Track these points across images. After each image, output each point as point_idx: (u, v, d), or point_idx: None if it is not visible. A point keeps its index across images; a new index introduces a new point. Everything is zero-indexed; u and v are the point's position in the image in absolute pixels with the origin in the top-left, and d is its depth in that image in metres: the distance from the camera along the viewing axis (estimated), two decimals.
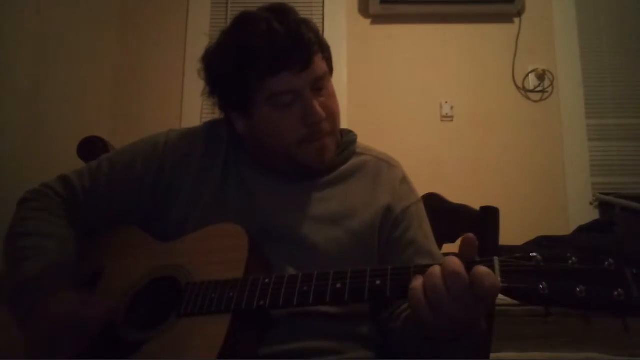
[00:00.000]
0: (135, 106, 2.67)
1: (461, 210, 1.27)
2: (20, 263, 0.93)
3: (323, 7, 2.77)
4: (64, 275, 0.93)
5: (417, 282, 0.72)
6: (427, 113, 2.68)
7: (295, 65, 0.94)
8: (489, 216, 1.18)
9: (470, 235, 0.74)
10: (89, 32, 2.49)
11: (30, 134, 1.98)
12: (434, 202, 1.28)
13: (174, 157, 1.05)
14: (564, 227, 2.39)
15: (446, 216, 1.25)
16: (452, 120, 2.67)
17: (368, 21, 2.78)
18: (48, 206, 1.03)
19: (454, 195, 1.34)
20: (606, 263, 0.66)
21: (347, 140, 1.09)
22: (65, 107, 2.23)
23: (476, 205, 1.24)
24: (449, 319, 0.70)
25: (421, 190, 1.12)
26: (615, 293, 0.63)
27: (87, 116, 2.43)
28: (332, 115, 1.00)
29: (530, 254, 0.69)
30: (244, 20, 0.99)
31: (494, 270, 0.68)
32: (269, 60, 0.93)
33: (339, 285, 0.78)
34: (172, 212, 1.02)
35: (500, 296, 0.69)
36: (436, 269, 0.71)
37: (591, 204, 2.52)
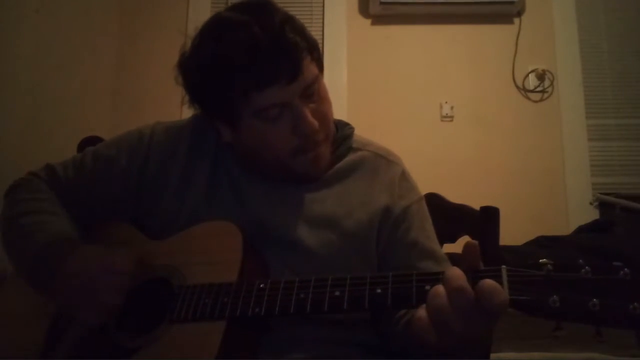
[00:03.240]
0: (135, 106, 2.66)
1: (461, 210, 1.27)
2: (29, 236, 0.92)
3: (323, 7, 2.76)
4: (75, 236, 0.93)
5: (422, 312, 0.68)
6: (427, 113, 2.68)
7: (282, 78, 0.86)
8: (489, 216, 1.18)
9: (472, 242, 0.69)
10: (89, 31, 2.49)
11: (30, 133, 1.98)
12: (434, 202, 1.28)
13: (159, 151, 1.01)
14: (564, 227, 2.39)
15: (446, 216, 1.25)
16: (452, 120, 2.67)
17: (368, 21, 2.78)
18: (39, 189, 1.01)
19: (454, 195, 1.34)
20: (621, 272, 0.61)
21: (342, 135, 1.04)
22: (65, 107, 2.23)
23: (476, 205, 1.24)
24: (454, 338, 0.66)
25: (421, 190, 1.12)
26: (631, 307, 0.59)
27: (87, 116, 2.43)
28: (325, 121, 0.94)
29: (540, 261, 0.65)
30: (220, 26, 0.91)
31: (501, 281, 0.64)
32: (253, 76, 0.86)
33: (337, 293, 0.74)
34: (160, 208, 0.98)
35: None
36: (439, 289, 0.66)
37: (591, 204, 2.52)
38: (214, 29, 0.92)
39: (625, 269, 0.61)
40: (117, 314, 0.87)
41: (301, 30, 0.90)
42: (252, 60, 0.85)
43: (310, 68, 0.90)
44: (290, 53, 0.86)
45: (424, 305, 0.68)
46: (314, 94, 0.92)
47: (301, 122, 0.89)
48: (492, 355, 1.07)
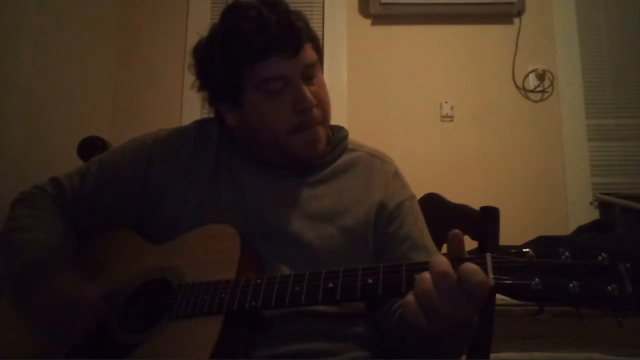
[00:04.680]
0: (135, 106, 2.67)
1: (461, 210, 1.27)
2: (16, 255, 0.94)
3: (323, 7, 2.77)
4: (61, 258, 0.95)
5: (410, 297, 0.71)
6: (427, 113, 2.68)
7: (285, 50, 0.94)
8: (489, 216, 1.18)
9: (456, 231, 0.72)
10: (89, 32, 2.49)
11: (31, 134, 1.98)
12: (434, 202, 1.28)
13: (162, 156, 1.04)
14: (564, 227, 2.39)
15: (446, 216, 1.25)
16: (452, 120, 2.67)
17: (368, 21, 2.78)
18: (40, 204, 1.04)
19: (454, 195, 1.34)
20: (599, 257, 0.65)
21: (338, 136, 1.09)
22: (65, 107, 2.24)
23: (476, 205, 1.24)
24: (442, 320, 0.69)
25: (421, 190, 1.12)
26: (609, 288, 0.62)
27: (87, 116, 2.44)
28: (323, 103, 1.00)
29: (523, 250, 0.68)
30: (233, 8, 0.99)
31: (486, 267, 0.67)
32: (259, 45, 0.93)
33: (330, 285, 0.77)
34: (163, 212, 1.01)
35: (498, 295, 0.68)
36: (425, 275, 0.70)
37: (591, 204, 2.52)
38: (226, 12, 1.00)
39: (603, 254, 0.65)
40: (117, 315, 0.89)
41: (305, 21, 0.99)
42: (259, 32, 0.93)
43: (311, 52, 0.99)
44: (293, 31, 0.95)
45: (412, 291, 0.71)
46: (313, 77, 0.99)
47: (300, 97, 0.95)
48: (492, 355, 1.07)
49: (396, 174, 1.07)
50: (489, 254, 0.70)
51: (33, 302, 0.89)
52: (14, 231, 0.99)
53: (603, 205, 2.48)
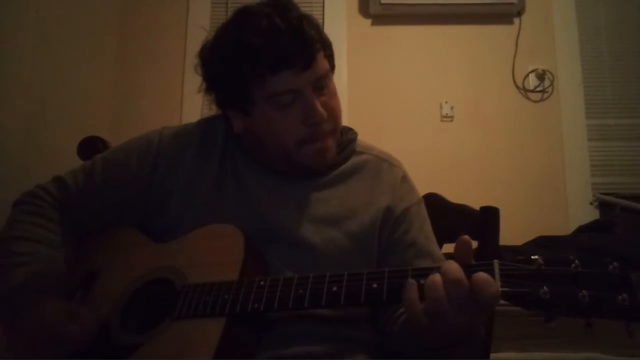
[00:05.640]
0: (136, 105, 2.67)
1: (461, 210, 1.27)
2: (9, 269, 0.92)
3: (323, 7, 2.77)
4: (52, 282, 0.93)
5: (413, 294, 0.70)
6: (427, 113, 2.68)
7: (297, 64, 0.91)
8: (489, 216, 1.18)
9: (465, 237, 0.72)
10: (89, 31, 2.49)
11: (31, 134, 1.98)
12: (434, 202, 1.28)
13: (168, 156, 1.03)
14: (564, 227, 2.39)
15: (446, 216, 1.25)
16: (452, 120, 2.67)
17: (368, 21, 2.78)
18: (41, 209, 1.02)
19: (454, 195, 1.34)
20: (610, 267, 0.63)
21: (347, 138, 1.07)
22: (65, 107, 2.23)
23: (476, 205, 1.24)
24: (449, 327, 0.68)
25: (421, 190, 1.12)
26: (620, 298, 0.61)
27: (87, 116, 2.43)
28: (334, 114, 0.98)
29: (532, 257, 0.67)
30: (244, 15, 0.96)
31: (493, 274, 0.67)
32: (269, 59, 0.91)
33: (334, 289, 0.77)
34: (167, 212, 1.00)
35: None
36: (437, 279, 0.68)
37: (591, 204, 2.52)
38: (237, 18, 0.97)
39: (614, 263, 0.63)
40: (119, 314, 0.89)
41: (317, 27, 0.97)
42: (271, 44, 0.90)
43: (323, 62, 0.96)
44: (306, 42, 0.92)
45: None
46: (325, 87, 0.97)
47: (311, 110, 0.93)
48: (492, 355, 1.07)
49: (404, 178, 1.06)
50: (496, 260, 0.69)
51: (16, 325, 0.87)
52: (13, 240, 0.98)
53: (603, 205, 2.48)
